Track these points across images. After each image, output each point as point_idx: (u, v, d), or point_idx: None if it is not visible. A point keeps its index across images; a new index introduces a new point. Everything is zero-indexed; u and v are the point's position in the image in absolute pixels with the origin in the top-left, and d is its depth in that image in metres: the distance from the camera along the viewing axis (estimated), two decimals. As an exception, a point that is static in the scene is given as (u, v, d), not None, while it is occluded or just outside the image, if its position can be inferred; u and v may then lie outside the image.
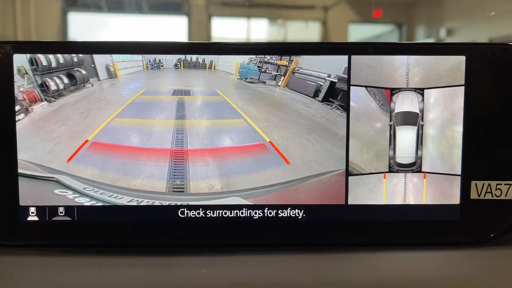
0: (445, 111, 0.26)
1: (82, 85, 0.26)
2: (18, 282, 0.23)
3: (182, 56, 0.26)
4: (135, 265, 0.24)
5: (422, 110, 0.26)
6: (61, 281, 0.23)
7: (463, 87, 0.26)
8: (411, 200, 0.26)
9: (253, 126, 0.26)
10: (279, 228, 0.26)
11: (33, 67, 0.25)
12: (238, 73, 0.26)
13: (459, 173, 0.26)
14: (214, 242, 0.26)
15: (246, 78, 0.26)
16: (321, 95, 0.26)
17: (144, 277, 0.23)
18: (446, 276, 0.23)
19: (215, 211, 0.26)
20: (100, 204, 0.26)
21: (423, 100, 0.26)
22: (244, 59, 0.26)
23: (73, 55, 0.26)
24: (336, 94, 0.26)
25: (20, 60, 0.25)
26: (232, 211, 0.26)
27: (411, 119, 0.26)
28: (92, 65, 0.26)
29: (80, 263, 0.24)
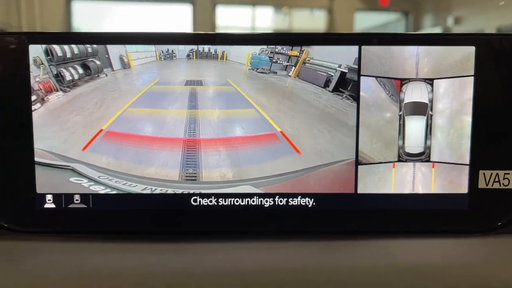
0: (454, 101, 0.26)
1: (97, 75, 0.26)
2: (34, 266, 0.23)
3: (195, 47, 0.26)
4: (149, 251, 0.25)
5: (431, 100, 0.26)
6: (76, 266, 0.23)
7: (472, 78, 0.26)
8: (419, 189, 0.27)
9: (264, 116, 0.26)
10: (289, 216, 0.27)
11: (49, 57, 0.26)
12: (250, 63, 0.26)
13: (468, 162, 0.26)
14: (226, 230, 0.27)
15: (258, 69, 0.26)
16: (332, 85, 0.26)
17: (157, 262, 0.24)
18: (454, 262, 0.23)
19: (227, 199, 0.27)
20: (114, 192, 0.27)
21: (432, 90, 0.26)
22: (255, 49, 0.26)
23: (88, 45, 0.26)
24: (347, 84, 0.26)
25: (36, 51, 0.26)
26: (244, 199, 0.27)
27: (421, 109, 0.26)
28: (106, 56, 0.26)
29: (95, 249, 0.25)
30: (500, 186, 0.26)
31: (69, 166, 0.26)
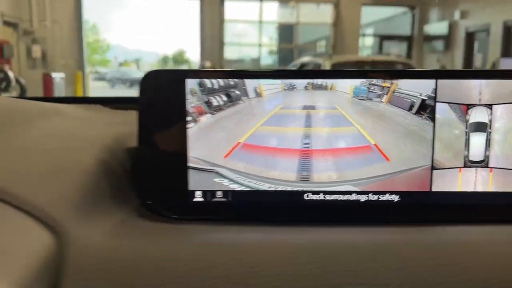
0: (508, 122, 0.34)
1: (236, 102, 0.35)
2: (187, 243, 0.32)
3: (311, 80, 0.34)
4: (273, 233, 0.33)
5: (490, 121, 0.34)
6: (220, 243, 0.32)
7: None
8: (480, 188, 0.35)
9: (362, 132, 0.35)
10: (379, 209, 0.35)
11: (201, 88, 0.34)
12: (352, 92, 0.35)
13: None
14: (330, 219, 0.36)
15: (358, 96, 0.35)
16: (414, 109, 0.34)
17: (278, 241, 0.32)
18: (508, 239, 0.32)
19: (331, 195, 0.35)
20: (247, 189, 0.35)
21: (491, 113, 0.34)
22: (357, 82, 0.34)
23: (230, 80, 0.34)
24: (426, 108, 0.34)
25: (191, 83, 0.34)
26: (344, 196, 0.35)
27: (482, 127, 0.34)
28: (244, 87, 0.35)
29: (232, 230, 0.34)
30: None
31: (214, 169, 0.35)
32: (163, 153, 0.35)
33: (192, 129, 0.35)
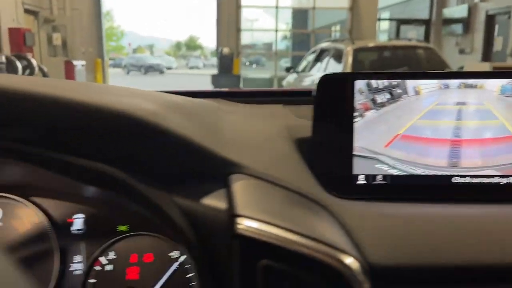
0: None
1: (397, 99, 0.40)
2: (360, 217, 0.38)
3: (464, 80, 0.40)
4: (424, 208, 0.39)
5: None
6: (384, 217, 0.38)
7: None
8: None
9: (506, 125, 0.40)
10: None
11: (368, 88, 0.40)
12: (499, 90, 0.40)
13: None
14: (474, 198, 0.41)
15: (504, 94, 0.40)
16: (553, 104, 0.40)
17: (431, 214, 0.38)
18: None
19: (476, 179, 0.41)
20: (404, 173, 0.41)
21: None
22: (503, 82, 0.40)
23: (392, 80, 0.40)
24: None
25: (360, 84, 0.40)
26: (488, 179, 0.41)
27: None
28: (404, 87, 0.40)
29: (391, 207, 0.40)
30: None
31: (375, 157, 0.41)
32: (333, 143, 0.41)
33: (358, 123, 0.40)
